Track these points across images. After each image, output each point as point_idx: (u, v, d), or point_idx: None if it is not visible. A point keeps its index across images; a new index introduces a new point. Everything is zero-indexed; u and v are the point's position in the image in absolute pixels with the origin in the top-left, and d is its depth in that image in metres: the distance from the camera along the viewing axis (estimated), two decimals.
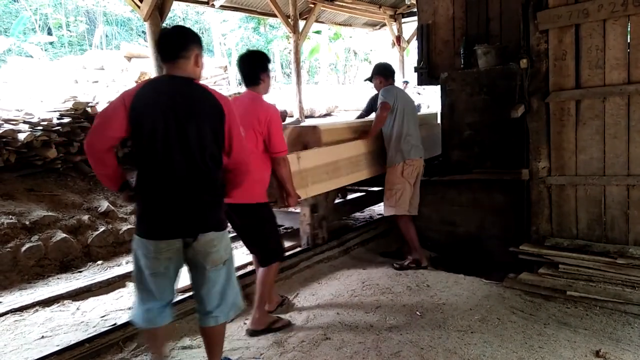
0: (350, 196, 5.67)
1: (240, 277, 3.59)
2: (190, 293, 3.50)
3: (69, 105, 5.68)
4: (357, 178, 4.34)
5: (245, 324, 3.12)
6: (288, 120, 10.03)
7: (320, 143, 4.06)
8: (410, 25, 14.04)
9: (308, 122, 10.35)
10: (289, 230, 5.23)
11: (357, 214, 6.04)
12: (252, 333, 3.00)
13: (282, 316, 3.23)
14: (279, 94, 14.31)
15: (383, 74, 4.27)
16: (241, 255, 4.28)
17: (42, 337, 3.12)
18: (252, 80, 3.01)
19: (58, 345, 2.92)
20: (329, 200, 4.57)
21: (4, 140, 4.90)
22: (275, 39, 24.06)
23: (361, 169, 4.30)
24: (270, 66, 3.07)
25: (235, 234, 3.08)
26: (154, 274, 2.23)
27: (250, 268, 4.00)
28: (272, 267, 3.09)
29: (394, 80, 4.31)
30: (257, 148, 2.91)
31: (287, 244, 4.70)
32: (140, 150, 2.19)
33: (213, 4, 9.40)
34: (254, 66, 3.02)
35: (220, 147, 2.28)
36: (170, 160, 2.16)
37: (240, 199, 2.78)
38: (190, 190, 2.20)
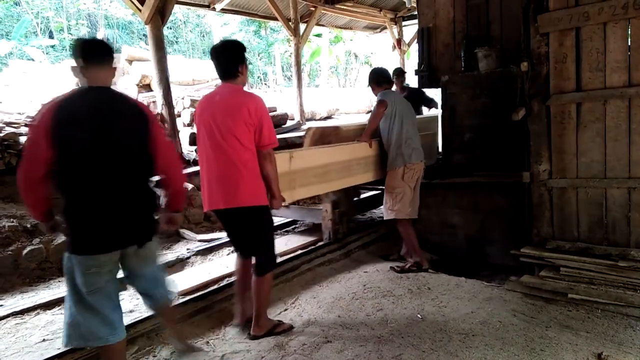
0: (363, 195, 5.81)
1: (212, 292, 3.53)
2: (192, 296, 3.52)
3: None
4: (347, 184, 4.25)
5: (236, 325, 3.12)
6: (289, 123, 10.03)
7: (370, 141, 4.36)
8: (410, 29, 14.07)
9: (330, 123, 10.41)
10: (308, 226, 5.58)
11: (357, 216, 6.05)
12: (254, 338, 2.99)
13: (284, 320, 3.23)
14: (280, 96, 14.32)
15: (375, 81, 4.23)
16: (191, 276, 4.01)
17: (44, 340, 3.12)
18: (230, 73, 2.82)
19: (59, 349, 2.92)
20: (348, 197, 4.88)
21: (6, 143, 4.91)
22: (276, 42, 24.09)
23: (352, 175, 4.17)
24: (246, 55, 2.88)
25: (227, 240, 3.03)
26: (94, 290, 2.23)
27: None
28: (267, 277, 2.97)
29: (389, 86, 4.27)
30: (253, 143, 2.77)
31: (308, 239, 5.08)
32: (68, 168, 2.16)
33: (214, 7, 9.42)
34: (231, 58, 2.82)
35: (149, 156, 2.34)
36: (102, 173, 2.19)
37: (245, 202, 2.75)
38: (127, 202, 2.24)
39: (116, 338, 2.31)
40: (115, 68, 2.37)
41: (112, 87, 2.36)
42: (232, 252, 3.21)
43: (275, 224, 5.79)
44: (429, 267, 4.13)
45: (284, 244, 5.04)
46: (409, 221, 4.18)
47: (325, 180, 3.86)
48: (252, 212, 2.83)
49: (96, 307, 2.24)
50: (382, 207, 4.39)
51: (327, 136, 4.40)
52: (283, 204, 3.08)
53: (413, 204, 4.18)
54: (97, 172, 2.17)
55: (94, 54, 2.27)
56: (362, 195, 5.79)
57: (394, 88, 13.66)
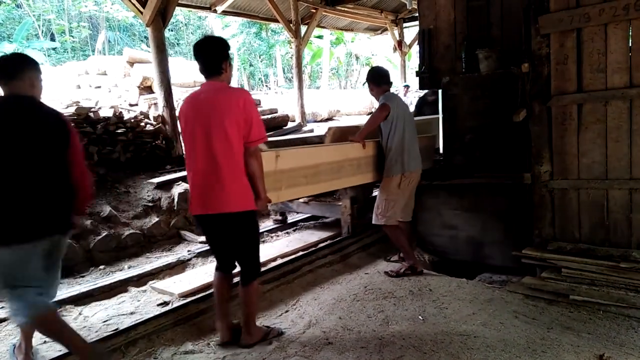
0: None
1: (212, 294, 3.19)
2: (193, 298, 3.52)
3: (72, 110, 5.71)
4: (338, 185, 4.13)
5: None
6: (290, 124, 10.04)
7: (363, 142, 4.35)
8: (411, 30, 14.09)
9: (352, 122, 10.41)
10: (326, 221, 5.76)
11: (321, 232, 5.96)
12: (246, 346, 2.88)
13: (285, 321, 3.22)
14: (281, 98, 14.34)
15: (374, 81, 4.06)
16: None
17: (45, 342, 3.11)
18: (214, 70, 2.72)
19: (60, 350, 2.92)
20: (365, 194, 5.03)
21: None
22: (277, 44, 24.13)
23: (342, 176, 3.99)
24: (230, 52, 2.79)
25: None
26: None
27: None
28: (254, 285, 2.88)
29: (388, 87, 4.09)
30: (242, 142, 2.66)
31: (327, 234, 5.22)
32: None
33: (215, 10, 9.45)
34: (214, 55, 2.72)
35: (66, 162, 2.53)
36: (16, 180, 2.37)
37: (235, 207, 2.65)
38: (21, 200, 2.40)
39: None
40: (33, 79, 2.53)
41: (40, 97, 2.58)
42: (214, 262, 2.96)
43: (290, 221, 5.97)
44: (423, 269, 4.07)
45: (303, 239, 5.13)
46: (397, 225, 4.06)
47: (314, 182, 3.69)
48: (241, 218, 2.70)
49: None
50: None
51: (349, 135, 4.35)
52: (269, 205, 2.99)
53: (406, 208, 4.12)
54: (10, 178, 2.37)
55: (5, 70, 2.48)
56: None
57: (402, 98, 13.64)
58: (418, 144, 4.15)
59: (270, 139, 4.41)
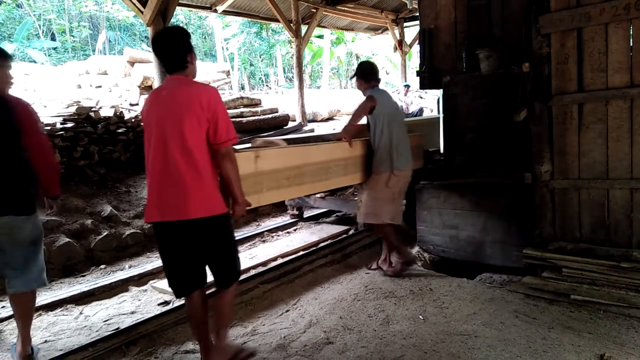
0: None
1: (212, 294, 2.92)
2: None
3: (72, 110, 5.71)
4: (324, 187, 3.95)
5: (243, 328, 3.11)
6: (290, 124, 10.04)
7: (349, 139, 4.32)
8: (412, 29, 14.07)
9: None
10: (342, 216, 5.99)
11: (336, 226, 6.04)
12: None
13: (286, 321, 3.22)
14: (282, 98, 14.35)
15: (364, 77, 3.96)
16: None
17: (46, 341, 3.12)
18: (178, 64, 2.49)
19: (61, 350, 2.93)
20: None
21: None
22: (277, 44, 24.13)
23: (330, 177, 3.77)
24: (192, 42, 2.57)
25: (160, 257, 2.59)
26: None
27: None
28: (232, 291, 2.63)
29: (377, 83, 4.00)
30: (206, 142, 2.42)
31: (342, 228, 5.37)
32: None
33: (216, 9, 9.44)
34: (177, 48, 2.48)
35: (17, 146, 2.69)
36: None
37: (201, 212, 2.37)
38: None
39: None
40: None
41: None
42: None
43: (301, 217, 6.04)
44: (419, 262, 4.02)
45: (303, 239, 5.15)
46: (389, 225, 3.97)
47: (298, 183, 3.49)
48: (210, 224, 2.42)
49: None
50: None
51: (364, 133, 4.37)
52: (248, 209, 2.71)
53: (395, 210, 4.01)
54: None
55: None
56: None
57: (402, 97, 13.54)
58: (408, 142, 4.07)
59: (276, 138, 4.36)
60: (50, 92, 10.16)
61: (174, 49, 2.48)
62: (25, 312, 2.82)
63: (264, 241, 5.30)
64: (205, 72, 11.59)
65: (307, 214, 6.29)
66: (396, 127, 3.89)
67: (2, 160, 2.64)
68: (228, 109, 9.68)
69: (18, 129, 2.70)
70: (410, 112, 11.67)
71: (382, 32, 14.37)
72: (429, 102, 14.32)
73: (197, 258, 2.53)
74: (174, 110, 2.37)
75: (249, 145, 3.58)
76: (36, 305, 3.57)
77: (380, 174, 3.88)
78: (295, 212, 6.14)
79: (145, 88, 9.47)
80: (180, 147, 2.34)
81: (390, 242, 4.02)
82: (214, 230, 2.47)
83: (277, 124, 9.79)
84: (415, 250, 4.71)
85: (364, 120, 4.02)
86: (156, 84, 6.70)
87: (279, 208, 6.73)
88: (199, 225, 2.39)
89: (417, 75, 5.44)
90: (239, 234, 5.50)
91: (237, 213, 2.60)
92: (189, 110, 2.35)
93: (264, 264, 4.42)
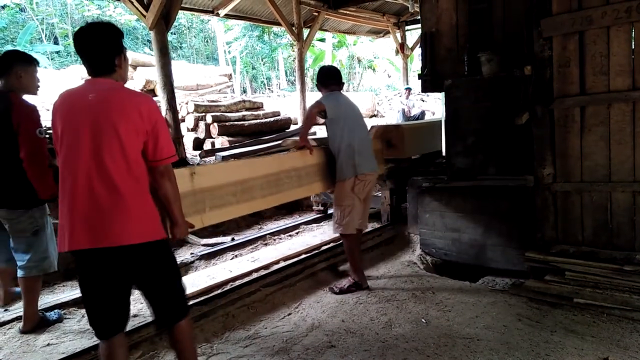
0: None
1: (215, 297, 3.21)
2: (196, 300, 3.53)
3: None
4: (277, 201, 3.69)
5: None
6: (292, 127, 10.05)
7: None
8: (413, 33, 14.11)
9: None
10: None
11: None
12: None
13: (288, 324, 3.22)
14: (283, 101, 14.36)
15: (320, 82, 3.88)
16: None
17: (48, 344, 3.12)
18: (104, 67, 2.12)
19: (64, 353, 2.93)
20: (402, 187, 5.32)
21: None
22: (279, 47, 24.18)
23: (282, 190, 3.60)
24: (124, 41, 2.20)
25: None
26: None
27: None
28: (189, 322, 2.29)
29: (337, 87, 3.86)
30: (142, 156, 2.10)
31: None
32: None
33: (218, 13, 9.47)
34: (104, 47, 2.12)
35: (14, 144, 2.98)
36: None
37: (140, 237, 2.04)
38: None
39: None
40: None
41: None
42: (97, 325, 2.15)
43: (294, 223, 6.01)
44: (369, 286, 3.83)
45: (305, 242, 5.12)
46: (356, 237, 3.87)
47: (247, 199, 3.29)
48: (152, 250, 2.09)
49: None
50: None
51: (389, 133, 4.99)
52: (190, 231, 2.48)
53: (363, 216, 3.90)
54: None
55: None
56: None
57: (404, 100, 13.54)
58: (371, 145, 3.97)
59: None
60: (53, 95, 10.17)
61: (99, 49, 2.11)
62: (28, 293, 3.23)
63: (266, 244, 5.30)
64: (207, 75, 11.63)
65: (312, 216, 6.31)
66: (357, 131, 3.77)
67: (0, 158, 3.00)
68: (230, 112, 9.71)
69: (16, 130, 2.95)
70: (411, 115, 11.67)
71: (383, 36, 14.40)
72: (430, 105, 14.33)
73: (127, 292, 2.17)
74: (107, 117, 2.01)
75: (279, 142, 3.63)
76: (39, 308, 3.61)
77: (345, 181, 3.72)
78: (320, 207, 6.35)
79: (147, 91, 9.51)
80: (117, 162, 2.00)
81: (353, 258, 3.82)
82: (158, 257, 2.15)
83: (279, 127, 9.81)
84: (417, 253, 4.71)
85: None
86: (159, 87, 6.72)
87: (280, 211, 6.74)
88: (141, 251, 2.06)
89: (419, 79, 5.45)
90: (241, 237, 5.51)
91: (177, 236, 2.32)
92: (126, 119, 2.02)
93: (265, 267, 4.42)
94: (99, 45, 2.11)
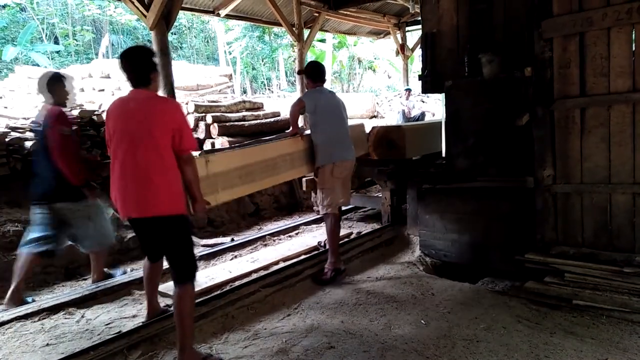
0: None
1: (214, 297, 3.56)
2: (195, 301, 3.52)
3: (75, 113, 5.72)
4: (273, 182, 4.28)
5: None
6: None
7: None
8: (414, 34, 14.10)
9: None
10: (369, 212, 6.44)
11: (361, 223, 6.07)
12: None
13: (287, 325, 3.22)
14: (284, 101, 14.36)
15: (311, 77, 4.28)
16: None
17: (47, 344, 3.12)
18: (143, 80, 2.78)
19: (63, 353, 2.93)
20: (402, 188, 5.43)
21: (11, 148, 4.94)
22: (280, 48, 24.18)
23: (279, 172, 4.13)
24: (156, 60, 2.87)
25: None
26: None
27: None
28: (189, 290, 2.81)
29: (322, 83, 4.29)
30: (171, 149, 2.74)
31: (343, 232, 5.41)
32: None
33: (219, 13, 9.47)
34: (142, 66, 2.78)
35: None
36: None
37: (163, 210, 2.70)
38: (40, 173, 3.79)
39: None
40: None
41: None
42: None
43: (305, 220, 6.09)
44: (345, 268, 4.17)
45: (305, 242, 5.18)
46: (338, 218, 4.20)
47: (249, 181, 3.83)
48: (170, 222, 2.74)
49: None
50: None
51: (390, 133, 5.30)
52: (207, 207, 3.09)
53: (344, 194, 4.27)
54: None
55: None
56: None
57: (404, 101, 13.55)
58: (349, 136, 4.33)
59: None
60: None
61: (139, 67, 2.76)
62: (97, 259, 4.12)
63: (265, 245, 5.30)
64: (207, 75, 11.62)
65: (312, 217, 6.30)
66: (334, 124, 4.17)
67: (50, 162, 3.60)
68: (230, 112, 9.73)
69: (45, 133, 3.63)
70: (412, 116, 11.67)
71: (384, 36, 14.38)
72: (430, 106, 14.33)
73: (161, 242, 2.90)
74: (146, 118, 2.67)
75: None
76: (39, 308, 3.61)
77: (324, 167, 4.15)
78: None
79: None
80: (152, 155, 2.65)
81: (332, 238, 4.14)
82: (173, 227, 2.76)
83: (279, 127, 9.79)
84: (416, 254, 4.71)
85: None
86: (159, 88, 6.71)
87: (280, 212, 6.74)
88: (161, 222, 2.72)
89: (419, 80, 5.45)
90: (240, 238, 5.51)
91: (197, 210, 2.94)
92: (159, 119, 2.68)
93: (265, 267, 4.42)
94: (138, 64, 2.76)
